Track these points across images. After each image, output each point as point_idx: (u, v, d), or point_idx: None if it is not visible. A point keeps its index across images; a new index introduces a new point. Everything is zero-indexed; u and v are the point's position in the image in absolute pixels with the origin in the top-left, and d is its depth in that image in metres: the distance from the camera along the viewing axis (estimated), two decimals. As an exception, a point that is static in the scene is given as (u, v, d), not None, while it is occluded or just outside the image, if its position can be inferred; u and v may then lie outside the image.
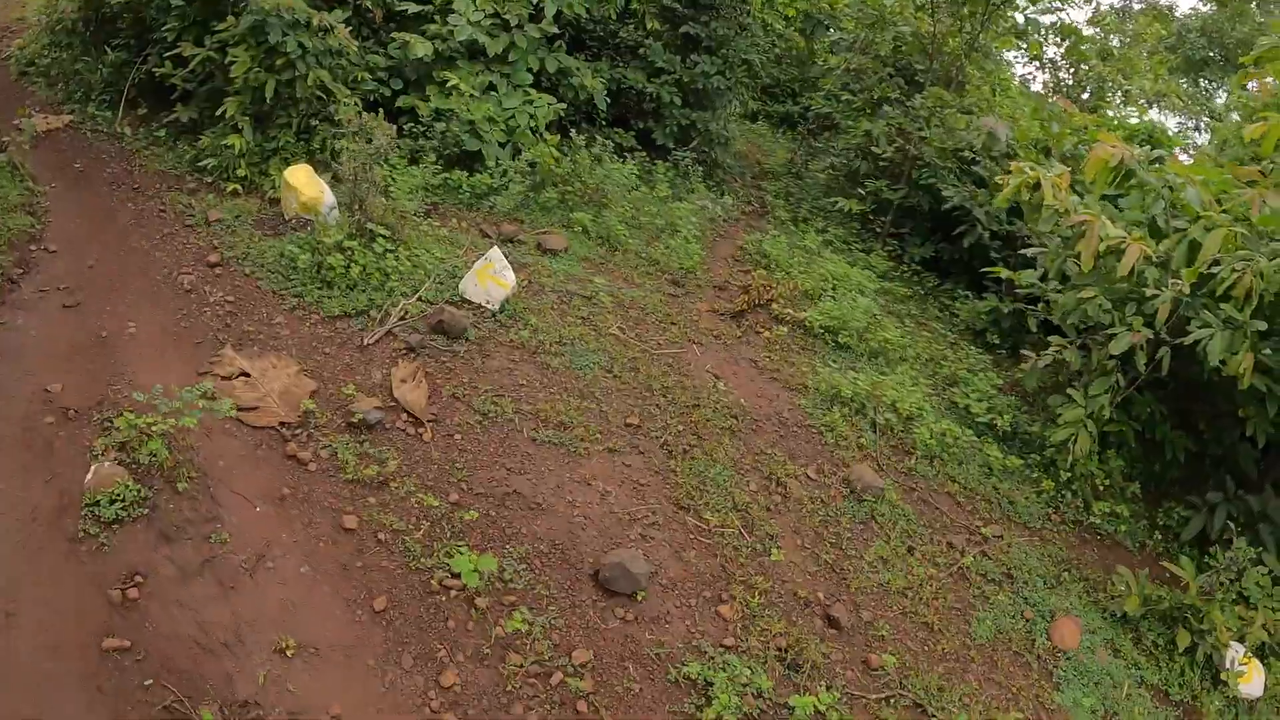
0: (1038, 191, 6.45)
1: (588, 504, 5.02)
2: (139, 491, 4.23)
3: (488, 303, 6.24)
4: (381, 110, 8.14)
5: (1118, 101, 16.34)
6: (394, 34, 8.39)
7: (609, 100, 9.30)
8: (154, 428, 4.35)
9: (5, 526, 4.07)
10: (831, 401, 6.73)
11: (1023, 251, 7.78)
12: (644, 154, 9.42)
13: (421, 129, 8.04)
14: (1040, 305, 7.83)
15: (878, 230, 10.50)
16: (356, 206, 6.21)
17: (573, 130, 9.01)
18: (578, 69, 8.88)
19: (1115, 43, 14.86)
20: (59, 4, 8.74)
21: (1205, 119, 16.37)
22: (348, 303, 5.94)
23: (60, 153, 7.81)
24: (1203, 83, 19.34)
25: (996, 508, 6.29)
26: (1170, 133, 11.28)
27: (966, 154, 10.12)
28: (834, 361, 7.41)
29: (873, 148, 10.15)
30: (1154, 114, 16.77)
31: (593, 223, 7.98)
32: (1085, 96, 17.44)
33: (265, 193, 7.37)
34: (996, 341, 8.82)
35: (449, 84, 8.00)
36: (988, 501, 6.33)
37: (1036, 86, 16.09)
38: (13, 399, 4.75)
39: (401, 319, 5.88)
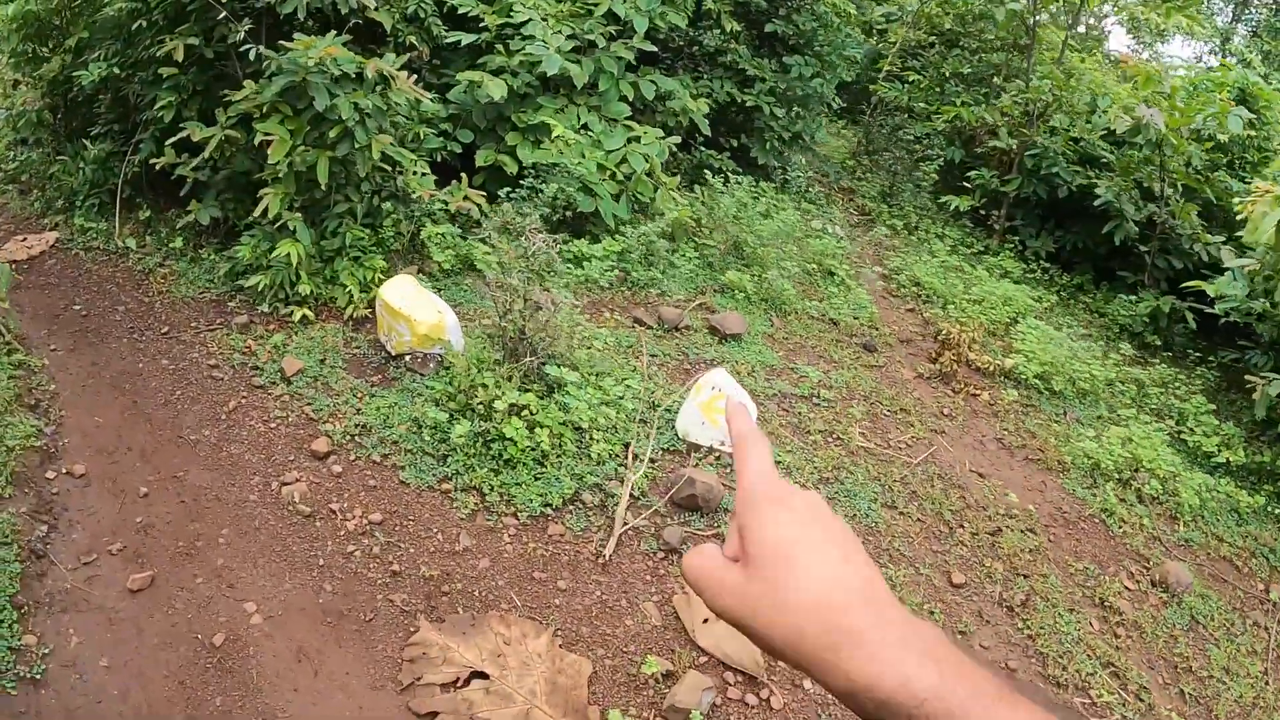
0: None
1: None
2: None
3: (724, 444, 4.04)
4: (465, 176, 5.76)
5: (1130, 40, 14.54)
6: (458, 74, 5.94)
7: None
8: None
9: None
10: (1094, 477, 5.10)
11: (1229, 265, 6.22)
12: (749, 178, 7.22)
13: (524, 191, 5.65)
14: (1219, 308, 6.25)
15: (993, 227, 8.54)
16: (522, 346, 3.89)
17: (675, 162, 6.75)
18: (676, 91, 6.56)
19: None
20: (19, 93, 5.98)
21: (1216, 41, 14.74)
22: (547, 489, 3.65)
23: (51, 288, 5.23)
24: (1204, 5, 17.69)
25: (1263, 561, 4.93)
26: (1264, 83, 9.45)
27: (1078, 134, 8.22)
28: (1060, 417, 5.66)
29: (994, 141, 8.12)
30: (1162, 48, 15.10)
31: (752, 283, 5.76)
32: (1081, 30, 15.59)
33: (342, 310, 4.99)
34: (1158, 344, 7.22)
35: (555, 133, 5.58)
36: (1255, 556, 4.96)
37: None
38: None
39: (632, 501, 3.66)
